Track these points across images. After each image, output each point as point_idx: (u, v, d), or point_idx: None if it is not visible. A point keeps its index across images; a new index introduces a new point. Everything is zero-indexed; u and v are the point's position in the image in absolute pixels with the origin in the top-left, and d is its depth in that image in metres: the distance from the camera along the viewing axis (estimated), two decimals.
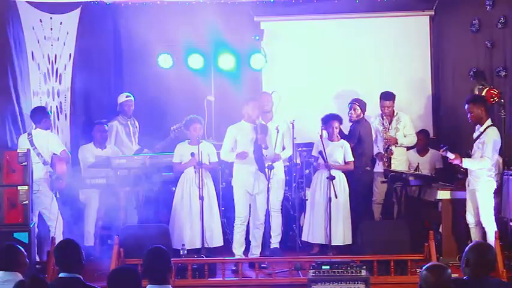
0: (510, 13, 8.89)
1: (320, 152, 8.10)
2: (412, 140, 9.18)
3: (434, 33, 10.10)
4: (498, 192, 8.24)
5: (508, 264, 7.31)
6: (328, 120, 8.40)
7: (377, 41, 10.07)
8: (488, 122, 7.55)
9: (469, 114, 7.59)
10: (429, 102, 10.11)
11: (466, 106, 7.61)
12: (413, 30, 10.15)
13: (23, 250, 5.08)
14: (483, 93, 8.60)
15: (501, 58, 9.08)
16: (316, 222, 8.24)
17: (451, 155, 7.52)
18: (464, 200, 7.73)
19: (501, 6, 9.05)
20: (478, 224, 7.57)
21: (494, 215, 7.81)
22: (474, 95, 7.99)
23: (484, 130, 7.49)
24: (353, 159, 8.38)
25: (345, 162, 8.35)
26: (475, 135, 7.60)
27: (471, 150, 7.60)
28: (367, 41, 10.08)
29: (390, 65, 10.04)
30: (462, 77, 9.64)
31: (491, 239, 7.28)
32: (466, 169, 7.64)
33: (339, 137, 8.44)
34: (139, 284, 4.32)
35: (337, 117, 8.42)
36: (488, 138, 7.44)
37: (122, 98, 9.31)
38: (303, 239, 8.36)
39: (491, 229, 7.43)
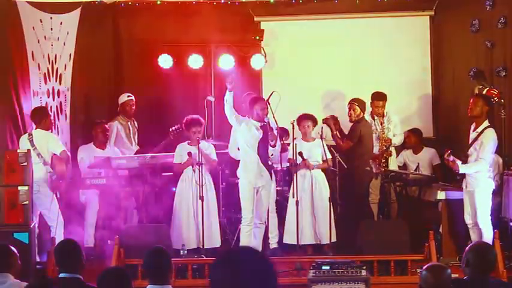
0: (510, 13, 8.90)
1: (300, 153, 8.11)
2: (401, 139, 9.26)
3: (434, 33, 10.09)
4: (498, 192, 8.25)
5: (509, 264, 7.31)
6: (301, 120, 8.40)
7: (377, 41, 10.06)
8: (486, 123, 7.54)
9: (470, 107, 7.56)
10: (429, 102, 10.10)
11: (473, 99, 7.58)
12: (413, 30, 10.14)
13: (16, 251, 5.05)
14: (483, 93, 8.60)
15: (501, 58, 9.09)
16: (304, 223, 8.24)
17: (451, 157, 7.51)
18: None
19: (501, 6, 9.05)
20: (476, 224, 7.55)
21: (495, 215, 7.81)
22: (486, 94, 7.97)
23: (482, 131, 7.47)
24: (331, 157, 8.42)
25: (323, 161, 8.36)
26: (472, 136, 7.56)
27: (468, 151, 7.56)
28: (367, 41, 10.07)
29: (390, 65, 10.02)
30: (462, 77, 9.64)
31: (488, 239, 7.27)
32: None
33: (315, 136, 8.45)
34: (128, 285, 4.31)
35: (309, 117, 8.42)
36: (487, 139, 7.42)
37: (123, 97, 9.29)
38: (286, 241, 8.32)
39: (487, 230, 7.42)
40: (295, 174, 8.11)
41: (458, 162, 7.48)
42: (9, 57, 8.13)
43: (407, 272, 7.25)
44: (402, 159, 9.42)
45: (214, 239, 8.18)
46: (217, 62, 9.75)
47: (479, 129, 7.48)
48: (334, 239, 8.22)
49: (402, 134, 9.26)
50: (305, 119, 8.40)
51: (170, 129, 8.95)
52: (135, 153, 9.00)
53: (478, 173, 7.45)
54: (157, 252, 4.55)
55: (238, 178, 8.03)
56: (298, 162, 8.25)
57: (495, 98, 8.55)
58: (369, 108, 9.08)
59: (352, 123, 8.84)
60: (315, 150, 8.35)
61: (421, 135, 9.50)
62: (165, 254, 4.54)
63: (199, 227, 7.91)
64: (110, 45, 10.07)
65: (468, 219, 7.61)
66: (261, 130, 7.87)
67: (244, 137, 7.89)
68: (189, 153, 8.02)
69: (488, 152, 7.45)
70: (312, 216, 8.29)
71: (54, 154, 7.93)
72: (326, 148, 8.39)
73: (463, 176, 7.57)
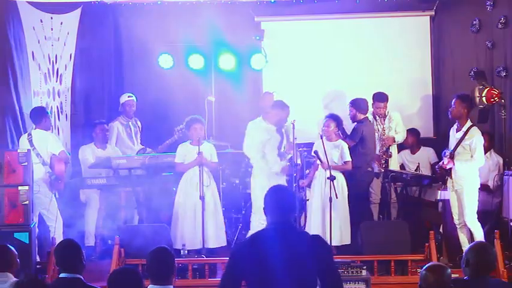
0: (510, 13, 8.90)
1: (316, 152, 8.09)
2: (404, 135, 9.22)
3: (435, 33, 10.09)
4: (498, 193, 8.26)
5: (509, 264, 7.31)
6: (325, 119, 8.40)
7: (377, 41, 10.06)
8: (469, 122, 7.57)
9: (450, 109, 7.62)
10: (429, 102, 10.11)
11: (453, 101, 7.63)
12: (413, 31, 10.14)
13: (14, 250, 5.05)
14: (483, 94, 8.60)
15: (501, 58, 9.10)
16: (314, 222, 8.23)
17: (445, 160, 7.54)
18: None
19: (501, 7, 9.06)
20: (465, 224, 7.55)
21: (495, 215, 7.82)
22: (465, 93, 7.97)
23: (467, 131, 7.48)
24: (350, 159, 8.34)
25: (344, 162, 8.34)
26: (457, 135, 7.57)
27: (454, 150, 7.55)
28: (368, 41, 10.07)
29: (390, 65, 10.03)
30: (462, 77, 9.64)
31: (479, 238, 7.28)
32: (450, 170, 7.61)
33: (338, 136, 8.42)
34: (140, 285, 4.31)
35: (332, 118, 8.40)
36: (476, 139, 7.46)
37: (124, 97, 9.27)
38: None
39: (476, 229, 7.43)
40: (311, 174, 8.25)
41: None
42: (9, 57, 8.12)
43: (407, 272, 7.25)
44: (400, 159, 9.41)
45: (220, 239, 8.18)
46: (217, 62, 9.75)
47: (464, 129, 7.50)
48: (347, 242, 8.19)
49: (404, 131, 9.22)
50: (328, 119, 8.35)
51: (175, 129, 8.96)
52: (139, 152, 9.01)
53: (468, 170, 7.46)
54: (161, 253, 4.51)
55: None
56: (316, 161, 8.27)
57: (495, 98, 8.55)
58: (370, 108, 9.07)
59: (355, 123, 8.81)
60: (333, 151, 8.29)
61: (419, 135, 9.51)
62: (169, 254, 4.51)
63: (201, 226, 7.91)
64: (110, 45, 10.07)
65: (456, 219, 7.60)
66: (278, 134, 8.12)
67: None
68: (200, 153, 7.99)
69: (481, 151, 7.51)
70: (322, 217, 8.21)
71: (53, 154, 7.93)
72: (347, 150, 8.35)
73: (450, 175, 7.58)
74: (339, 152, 8.26)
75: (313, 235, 4.37)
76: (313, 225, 8.17)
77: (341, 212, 8.11)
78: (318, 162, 8.14)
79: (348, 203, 8.39)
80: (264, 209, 4.26)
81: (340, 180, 8.24)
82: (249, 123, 8.48)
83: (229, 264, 4.18)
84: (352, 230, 8.18)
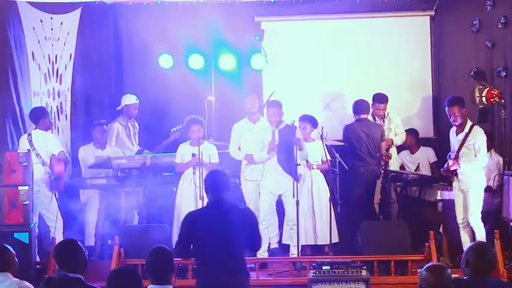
0: (510, 13, 8.90)
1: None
2: (403, 137, 9.21)
3: (435, 33, 10.09)
4: (498, 193, 8.25)
5: (509, 264, 7.31)
6: (300, 122, 8.40)
7: (377, 41, 10.06)
8: (469, 122, 7.58)
9: (452, 117, 7.55)
10: (429, 102, 10.11)
11: (449, 108, 7.55)
12: (413, 31, 10.14)
13: (12, 250, 5.05)
14: (483, 94, 8.59)
15: (501, 58, 9.09)
16: (304, 223, 8.24)
17: (450, 162, 7.54)
18: None
19: (501, 7, 9.06)
20: (468, 224, 7.56)
21: (495, 215, 7.81)
22: (455, 96, 7.86)
23: (470, 130, 7.49)
24: (330, 158, 8.38)
25: (322, 162, 8.37)
26: (459, 137, 7.57)
27: (458, 152, 7.55)
28: (368, 41, 10.07)
29: (390, 65, 10.03)
30: (462, 77, 9.64)
31: (481, 238, 7.28)
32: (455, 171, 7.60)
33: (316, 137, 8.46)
34: (139, 285, 4.30)
35: (307, 119, 8.41)
36: (479, 138, 7.47)
37: (129, 99, 9.17)
38: (285, 242, 8.31)
39: (479, 228, 7.44)
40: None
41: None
42: (9, 57, 8.12)
43: (407, 272, 7.26)
44: (400, 160, 9.41)
45: None
46: (217, 62, 9.75)
47: (466, 129, 7.51)
48: (336, 240, 8.22)
49: (404, 133, 9.23)
50: (302, 121, 8.39)
51: (171, 130, 8.96)
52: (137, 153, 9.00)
53: (474, 169, 7.46)
54: (160, 252, 4.52)
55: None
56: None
57: (495, 98, 8.55)
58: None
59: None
60: (315, 151, 8.34)
61: (417, 135, 9.51)
62: (167, 254, 4.52)
63: None
64: (110, 45, 10.07)
65: (460, 219, 7.61)
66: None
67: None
68: (194, 155, 8.02)
69: (485, 150, 7.52)
70: (312, 217, 8.28)
71: (53, 154, 7.93)
72: (326, 149, 8.36)
73: (456, 175, 7.58)
74: (321, 151, 8.29)
75: (242, 207, 5.63)
76: (304, 225, 8.19)
77: (325, 212, 8.21)
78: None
79: (350, 203, 8.41)
80: (205, 189, 5.40)
81: (321, 180, 8.33)
82: (234, 125, 8.49)
83: (180, 232, 5.34)
84: (352, 230, 8.19)
